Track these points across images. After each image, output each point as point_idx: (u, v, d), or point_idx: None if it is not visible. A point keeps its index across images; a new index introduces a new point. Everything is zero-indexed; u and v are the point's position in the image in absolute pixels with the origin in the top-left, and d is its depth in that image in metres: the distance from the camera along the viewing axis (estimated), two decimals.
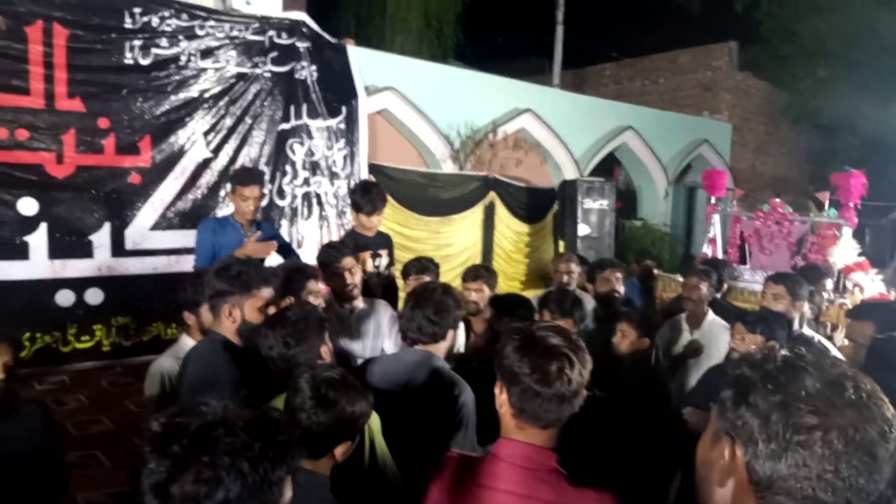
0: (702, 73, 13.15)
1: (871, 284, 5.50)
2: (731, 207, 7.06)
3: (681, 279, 5.06)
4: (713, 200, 6.90)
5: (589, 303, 4.07)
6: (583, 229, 8.21)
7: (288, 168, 6.02)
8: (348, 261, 3.29)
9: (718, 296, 4.39)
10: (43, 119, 4.82)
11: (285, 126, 5.97)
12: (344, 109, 6.37)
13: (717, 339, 3.79)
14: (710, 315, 4.02)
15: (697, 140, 11.61)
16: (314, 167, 6.19)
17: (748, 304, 4.87)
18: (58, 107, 4.88)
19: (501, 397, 1.56)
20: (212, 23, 5.45)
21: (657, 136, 10.82)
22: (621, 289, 4.58)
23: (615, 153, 10.82)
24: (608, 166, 10.95)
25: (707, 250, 6.65)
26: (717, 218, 6.70)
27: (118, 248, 5.15)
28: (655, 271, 6.17)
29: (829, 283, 5.17)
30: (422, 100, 7.74)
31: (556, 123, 9.23)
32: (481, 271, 3.74)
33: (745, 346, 2.96)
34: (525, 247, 8.49)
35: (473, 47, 13.79)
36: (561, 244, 8.49)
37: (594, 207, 8.38)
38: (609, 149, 10.30)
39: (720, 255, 6.38)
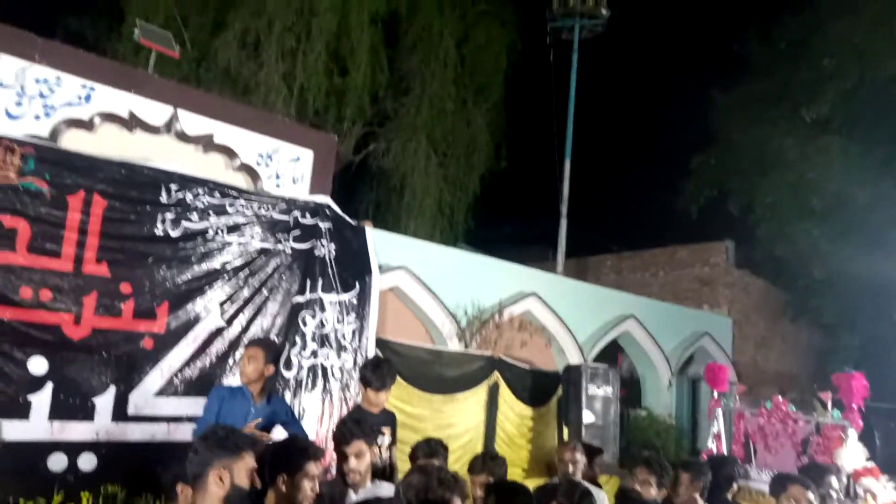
0: (699, 269, 13.64)
1: (883, 492, 5.31)
2: (734, 403, 7.01)
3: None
4: (716, 394, 6.86)
5: (600, 497, 3.89)
6: (588, 416, 8.09)
7: (298, 339, 6.10)
8: (357, 445, 3.23)
9: (729, 496, 4.19)
10: (68, 281, 4.98)
11: (300, 299, 6.14)
12: (358, 285, 6.58)
13: None
14: None
15: (699, 332, 11.77)
16: (323, 339, 6.28)
17: None
18: (84, 270, 5.07)
19: None
20: (242, 201, 5.82)
21: (659, 326, 11.00)
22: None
23: (618, 341, 10.93)
24: (612, 353, 11.01)
25: (712, 446, 6.51)
26: (720, 412, 6.63)
27: (119, 413, 5.08)
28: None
29: (835, 482, 4.98)
30: (432, 279, 8.01)
31: (561, 308, 9.45)
32: (488, 462, 3.59)
33: None
34: (528, 431, 8.31)
35: (482, 233, 14.49)
36: (565, 431, 8.32)
37: (598, 394, 8.31)
38: (612, 336, 10.42)
39: (725, 451, 6.23)
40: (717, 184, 15.42)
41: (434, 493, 2.49)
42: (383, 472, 3.96)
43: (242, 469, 2.41)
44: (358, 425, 3.42)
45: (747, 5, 17.01)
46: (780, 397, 6.40)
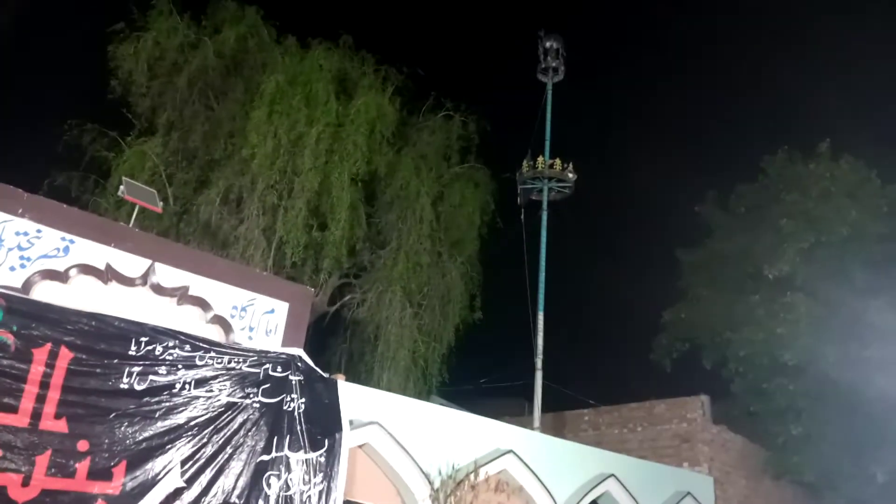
0: (677, 425, 13.43)
1: None
2: None
3: None
4: None
5: None
6: None
7: (261, 503, 5.77)
8: None
9: None
10: (22, 438, 4.77)
11: (265, 457, 5.90)
12: (326, 442, 6.36)
13: None
14: None
15: (681, 492, 11.35)
16: (288, 502, 5.94)
17: None
18: (41, 426, 4.88)
19: None
20: (212, 354, 5.75)
21: (640, 485, 10.60)
22: None
23: (599, 501, 10.47)
24: None
25: None
26: None
27: None
28: None
29: None
30: (405, 436, 7.76)
31: (539, 467, 9.12)
32: None
33: None
34: None
35: (457, 385, 14.28)
36: None
37: None
38: (592, 496, 9.99)
39: None
40: (689, 338, 15.63)
41: None
42: None
43: None
44: None
45: (705, 173, 18.21)
46: None
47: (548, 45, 18.09)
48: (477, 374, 17.06)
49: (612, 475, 10.23)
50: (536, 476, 9.08)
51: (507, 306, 16.60)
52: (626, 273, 21.01)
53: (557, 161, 17.07)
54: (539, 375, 13.43)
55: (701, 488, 11.86)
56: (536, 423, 12.65)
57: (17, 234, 5.43)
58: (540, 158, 17.17)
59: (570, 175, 16.90)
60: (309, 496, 6.05)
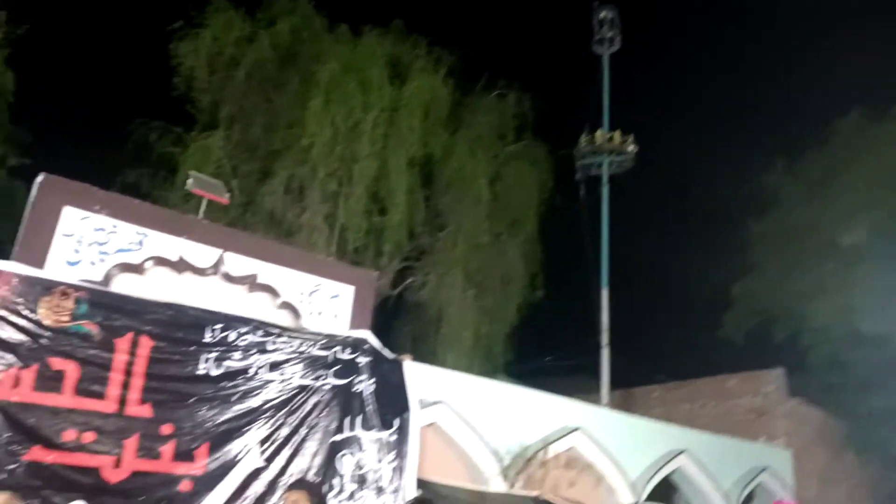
0: (751, 399, 13.09)
1: None
2: None
3: None
4: None
5: None
6: None
7: (336, 481, 5.91)
8: None
9: None
10: (111, 423, 4.99)
11: (338, 437, 6.02)
12: (397, 422, 6.44)
13: None
14: None
15: (757, 467, 11.09)
16: (361, 481, 6.06)
17: None
18: (126, 412, 5.08)
19: None
20: (283, 338, 5.89)
21: (714, 461, 10.41)
22: None
23: (671, 478, 10.32)
24: (665, 492, 10.37)
25: None
26: None
27: None
28: None
29: None
30: (472, 415, 7.83)
31: (609, 444, 9.06)
32: None
33: None
34: None
35: (521, 365, 14.26)
36: None
37: None
38: (665, 472, 9.88)
39: None
40: (761, 311, 15.15)
41: None
42: None
43: None
44: None
45: (772, 140, 17.48)
46: None
47: (602, 15, 17.66)
48: (542, 353, 17.00)
49: (685, 451, 10.07)
50: (607, 452, 9.02)
51: (570, 284, 16.45)
52: (692, 246, 20.45)
53: (616, 134, 16.71)
54: (605, 352, 13.27)
55: (779, 463, 11.56)
56: (604, 400, 12.53)
57: (96, 230, 5.67)
58: (598, 132, 16.84)
59: (630, 147, 16.52)
60: (382, 474, 6.16)
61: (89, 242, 5.61)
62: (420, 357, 8.89)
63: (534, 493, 7.76)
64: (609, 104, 16.95)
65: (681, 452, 10.01)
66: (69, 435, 4.80)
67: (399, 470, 6.32)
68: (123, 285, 5.64)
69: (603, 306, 13.94)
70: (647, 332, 17.56)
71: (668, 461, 9.85)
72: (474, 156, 13.96)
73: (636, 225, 18.81)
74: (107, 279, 5.60)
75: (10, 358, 4.71)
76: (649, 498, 9.21)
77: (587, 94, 17.46)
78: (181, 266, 6.03)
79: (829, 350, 13.31)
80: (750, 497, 11.18)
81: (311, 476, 5.70)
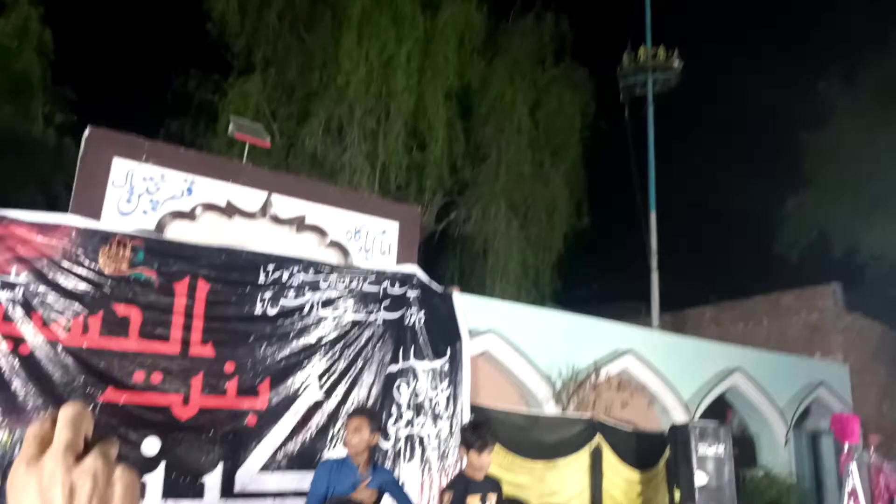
0: (807, 315, 12.87)
1: None
2: (869, 456, 6.41)
3: None
4: (846, 448, 6.33)
5: None
6: (700, 478, 7.60)
7: (394, 410, 6.13)
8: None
9: None
10: (177, 363, 5.24)
11: (393, 368, 6.20)
12: (448, 352, 6.59)
13: None
14: None
15: (813, 383, 10.98)
16: (418, 409, 6.27)
17: None
18: (191, 352, 5.32)
19: None
20: (334, 276, 6.02)
21: (769, 378, 10.34)
22: None
23: (726, 396, 10.33)
24: (720, 410, 10.40)
25: None
26: (854, 467, 6.09)
27: (227, 490, 5.20)
28: None
29: None
30: (522, 341, 7.91)
31: (661, 365, 9.07)
32: None
33: None
34: (637, 497, 7.89)
35: (570, 293, 14.28)
36: (677, 494, 7.83)
37: (710, 454, 7.82)
38: (719, 391, 9.87)
39: None
40: (817, 226, 14.71)
41: None
42: None
43: None
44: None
45: (827, 46, 16.52)
46: None
47: None
48: (590, 281, 16.95)
49: (739, 369, 10.02)
50: (659, 373, 9.06)
51: (616, 209, 16.21)
52: (744, 162, 19.84)
53: (660, 49, 16.05)
54: (655, 276, 13.15)
55: (835, 377, 11.42)
56: (655, 323, 12.49)
57: (144, 179, 5.81)
58: (641, 49, 16.20)
59: (675, 63, 15.87)
60: (437, 402, 6.35)
61: (140, 192, 5.75)
62: (468, 289, 9.01)
63: (586, 416, 7.89)
64: (651, 18, 16.24)
65: (734, 371, 9.97)
66: (138, 376, 5.06)
67: (453, 397, 6.50)
68: (177, 232, 5.80)
69: (651, 229, 13.73)
70: (697, 254, 17.30)
71: (722, 380, 9.83)
72: (513, 83, 13.65)
73: (683, 144, 18.29)
74: (160, 227, 5.76)
75: (76, 306, 4.95)
76: (703, 416, 9.25)
77: (628, 9, 16.76)
78: (230, 210, 6.15)
79: (889, 262, 12.92)
80: (806, 412, 11.13)
81: (369, 406, 5.92)
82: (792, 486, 9.64)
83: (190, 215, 5.95)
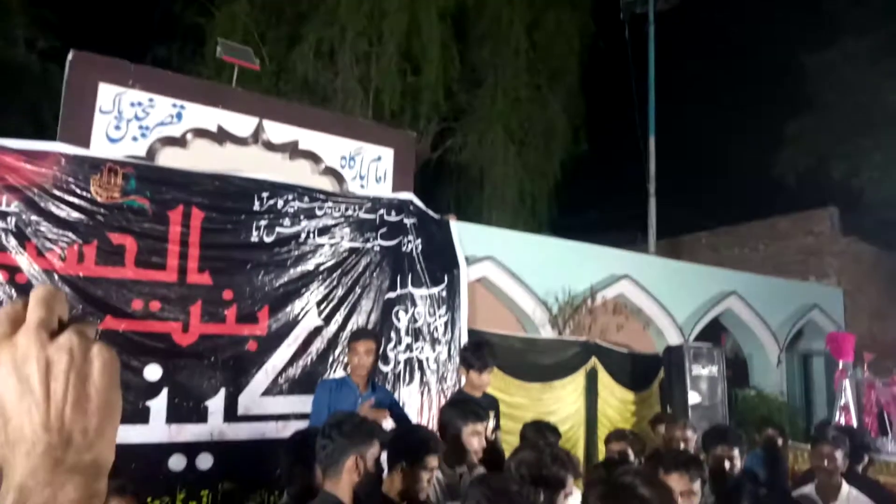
0: (803, 239, 12.90)
1: None
2: (862, 373, 6.55)
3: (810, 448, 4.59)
4: (841, 365, 6.47)
5: None
6: (693, 398, 7.79)
7: (392, 335, 6.19)
8: (482, 426, 3.25)
9: (859, 469, 3.96)
10: (175, 291, 5.25)
11: (391, 295, 6.23)
12: (446, 278, 6.62)
13: None
14: (846, 487, 3.62)
15: (807, 305, 11.12)
16: (417, 333, 6.34)
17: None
18: (188, 280, 5.32)
19: None
20: (330, 204, 5.97)
21: (763, 301, 10.46)
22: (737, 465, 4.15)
23: (720, 319, 10.47)
24: (714, 333, 10.56)
25: (840, 419, 6.13)
26: (847, 384, 6.23)
27: (230, 414, 5.31)
28: (784, 441, 5.68)
29: None
30: (519, 268, 7.93)
31: (656, 289, 9.15)
32: (626, 433, 3.64)
33: None
34: (631, 416, 8.10)
35: (567, 221, 14.24)
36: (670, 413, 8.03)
37: (703, 374, 7.99)
38: (713, 314, 10.00)
39: (855, 424, 5.85)
40: (816, 150, 14.55)
41: (548, 469, 2.45)
42: (490, 456, 3.94)
43: (373, 456, 2.47)
44: (474, 404, 3.45)
45: None
46: None
47: None
48: (588, 208, 16.90)
49: (734, 292, 10.12)
50: (654, 297, 9.14)
51: (615, 135, 15.98)
52: (744, 83, 19.46)
53: None
54: (653, 202, 13.08)
55: (829, 300, 11.56)
56: (652, 248, 12.52)
57: (132, 104, 5.65)
58: None
59: None
60: (436, 326, 6.42)
61: (129, 118, 5.61)
62: (465, 217, 8.96)
63: (582, 339, 8.01)
64: None
65: (729, 294, 10.06)
66: (137, 304, 5.08)
67: (451, 322, 6.58)
68: (168, 159, 5.69)
69: (650, 154, 13.55)
70: (696, 180, 17.16)
71: (717, 303, 9.94)
72: (510, 3, 13.19)
73: (685, 66, 17.85)
74: (151, 154, 5.65)
75: (71, 235, 4.91)
76: (698, 339, 9.40)
77: None
78: (221, 136, 6.02)
79: (887, 185, 12.86)
80: (799, 334, 11.32)
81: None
82: (782, 405, 9.90)
83: (181, 142, 5.83)
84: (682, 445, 4.20)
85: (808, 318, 11.14)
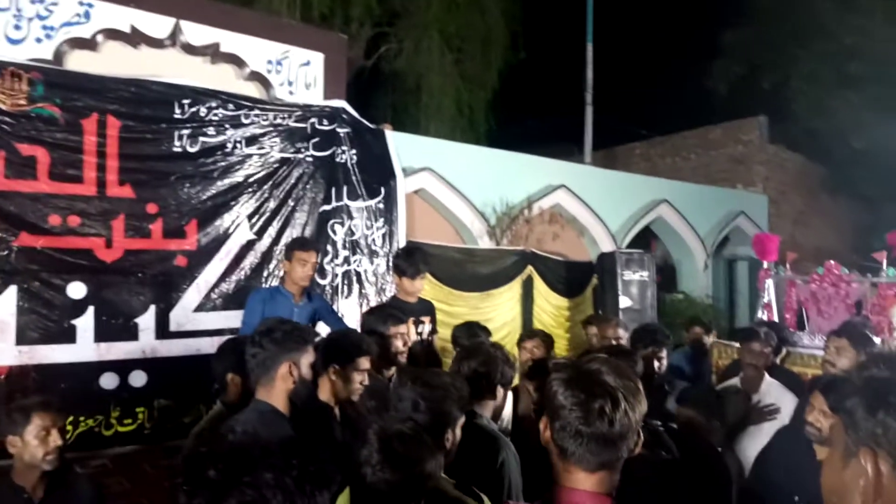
0: (732, 148, 13.21)
1: None
2: (784, 272, 6.88)
3: (737, 345, 4.83)
4: (765, 265, 6.78)
5: None
6: (624, 301, 8.07)
7: (329, 248, 6.10)
8: (404, 327, 3.27)
9: (777, 360, 4.21)
10: (94, 205, 4.97)
11: (326, 207, 6.09)
12: (383, 190, 6.50)
13: (779, 402, 3.62)
14: (768, 379, 3.86)
15: (733, 212, 11.54)
16: (354, 246, 6.27)
17: (809, 370, 4.67)
18: (108, 193, 5.04)
19: (545, 433, 1.48)
20: (256, 111, 5.68)
21: (693, 209, 10.79)
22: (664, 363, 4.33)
23: (651, 227, 10.77)
24: (645, 241, 10.88)
25: (763, 316, 6.48)
26: (770, 283, 6.54)
27: (162, 331, 5.18)
28: (710, 339, 5.99)
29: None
30: (457, 179, 7.88)
31: (591, 199, 9.29)
32: (538, 331, 3.75)
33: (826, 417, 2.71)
34: (565, 321, 8.37)
35: (505, 131, 14.12)
36: None
37: (634, 279, 8.26)
38: (645, 222, 10.27)
39: (777, 320, 6.21)
40: (748, 60, 14.70)
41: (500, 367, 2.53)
42: (426, 358, 3.99)
43: (307, 362, 2.44)
44: (392, 309, 3.47)
45: None
46: (832, 262, 6.27)
47: None
48: (526, 119, 16.78)
49: (665, 201, 10.38)
50: (589, 207, 9.29)
51: (553, 42, 15.71)
52: None
53: None
54: (589, 111, 13.05)
55: (754, 207, 12.02)
56: (587, 159, 12.61)
57: (33, 2, 5.16)
58: None
59: None
60: (373, 239, 6.35)
61: (30, 16, 5.14)
62: (402, 128, 8.76)
63: (519, 248, 8.11)
64: None
65: (660, 203, 10.32)
66: (54, 219, 4.80)
67: (389, 235, 6.51)
68: (78, 63, 5.28)
69: (588, 62, 13.41)
70: (632, 90, 17.20)
71: (648, 211, 10.20)
72: None
73: None
74: (58, 57, 5.23)
75: None
76: (629, 246, 9.67)
77: None
78: (135, 38, 5.61)
79: (814, 95, 13.17)
80: (725, 240, 11.79)
81: None
82: (708, 306, 10.40)
83: (90, 43, 5.41)
84: (613, 343, 4.35)
85: (735, 225, 11.58)
